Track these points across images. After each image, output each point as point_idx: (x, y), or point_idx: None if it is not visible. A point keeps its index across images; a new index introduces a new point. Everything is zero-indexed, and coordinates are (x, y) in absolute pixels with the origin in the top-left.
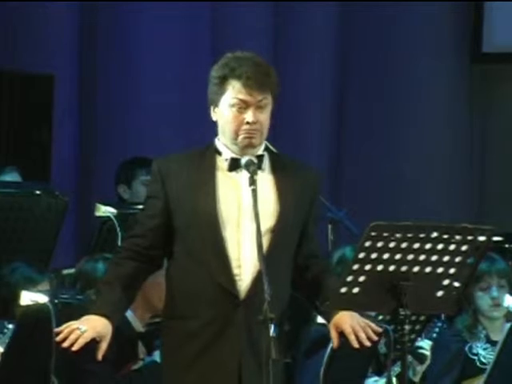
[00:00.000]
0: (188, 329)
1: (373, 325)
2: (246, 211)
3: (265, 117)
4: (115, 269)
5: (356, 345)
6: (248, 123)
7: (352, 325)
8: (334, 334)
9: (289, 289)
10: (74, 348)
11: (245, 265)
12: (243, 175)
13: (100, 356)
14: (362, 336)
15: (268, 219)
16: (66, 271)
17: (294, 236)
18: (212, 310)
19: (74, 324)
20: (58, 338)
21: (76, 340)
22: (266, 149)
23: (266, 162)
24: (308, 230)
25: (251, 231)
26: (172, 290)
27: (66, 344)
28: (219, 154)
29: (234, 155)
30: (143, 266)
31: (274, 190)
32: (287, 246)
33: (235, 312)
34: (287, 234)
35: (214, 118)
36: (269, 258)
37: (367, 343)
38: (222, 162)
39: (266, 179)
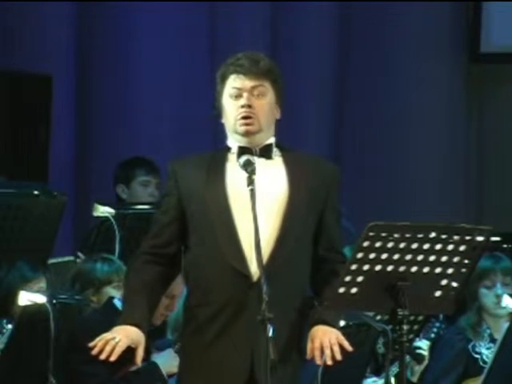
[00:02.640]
0: (203, 315)
1: (345, 343)
2: (255, 195)
3: (261, 103)
4: (137, 276)
5: (319, 361)
6: (242, 107)
7: (322, 340)
8: (309, 346)
9: (305, 278)
10: (112, 358)
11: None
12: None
13: (139, 361)
14: (327, 353)
15: (279, 200)
16: (51, 261)
17: (309, 221)
18: (226, 294)
19: (107, 336)
20: (94, 352)
21: (112, 350)
22: (278, 145)
23: (277, 152)
24: (326, 220)
25: (262, 215)
26: (188, 282)
27: (103, 356)
28: (229, 150)
29: (241, 144)
30: (163, 269)
31: (284, 172)
32: (301, 232)
33: (248, 294)
34: (300, 216)
35: (223, 120)
36: (281, 242)
37: (329, 362)
38: (232, 156)
39: (275, 164)
